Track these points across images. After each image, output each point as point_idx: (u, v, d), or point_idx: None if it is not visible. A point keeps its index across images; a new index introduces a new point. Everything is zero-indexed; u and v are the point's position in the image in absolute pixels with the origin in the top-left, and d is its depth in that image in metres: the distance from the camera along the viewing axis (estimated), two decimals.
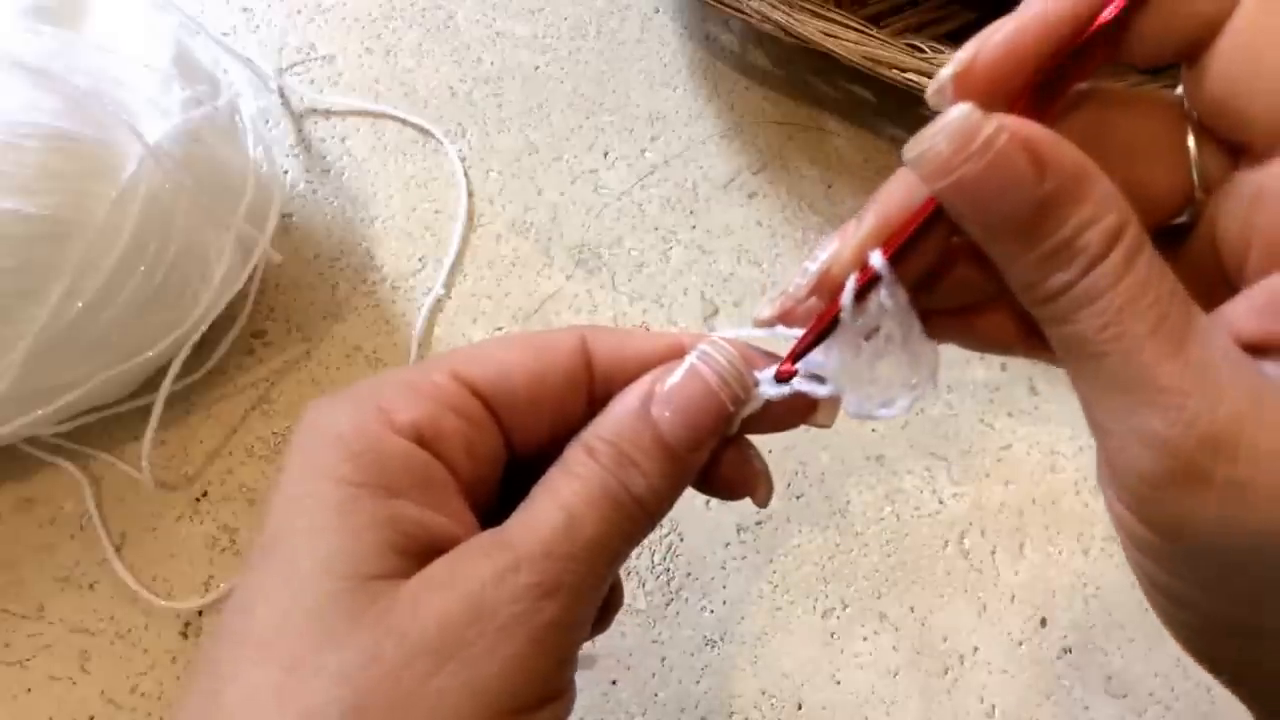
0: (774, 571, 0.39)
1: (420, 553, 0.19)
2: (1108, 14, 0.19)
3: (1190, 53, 0.20)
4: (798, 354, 0.22)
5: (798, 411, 0.23)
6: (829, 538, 0.40)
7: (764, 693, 0.37)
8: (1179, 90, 0.21)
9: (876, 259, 0.20)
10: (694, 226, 0.47)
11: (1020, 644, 0.38)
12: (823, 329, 0.21)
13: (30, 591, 0.36)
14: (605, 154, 0.49)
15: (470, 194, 0.47)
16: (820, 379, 0.22)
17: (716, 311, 0.45)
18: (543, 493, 0.21)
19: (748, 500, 0.24)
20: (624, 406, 0.21)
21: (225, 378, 0.41)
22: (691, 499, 0.23)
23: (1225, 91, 0.19)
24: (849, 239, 0.21)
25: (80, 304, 0.33)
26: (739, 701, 0.36)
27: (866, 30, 0.43)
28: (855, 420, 0.24)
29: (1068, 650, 0.38)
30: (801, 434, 0.24)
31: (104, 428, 0.39)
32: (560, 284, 0.45)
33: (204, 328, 0.37)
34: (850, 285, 0.20)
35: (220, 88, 0.39)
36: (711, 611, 0.38)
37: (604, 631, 0.25)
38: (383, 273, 0.45)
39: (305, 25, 0.52)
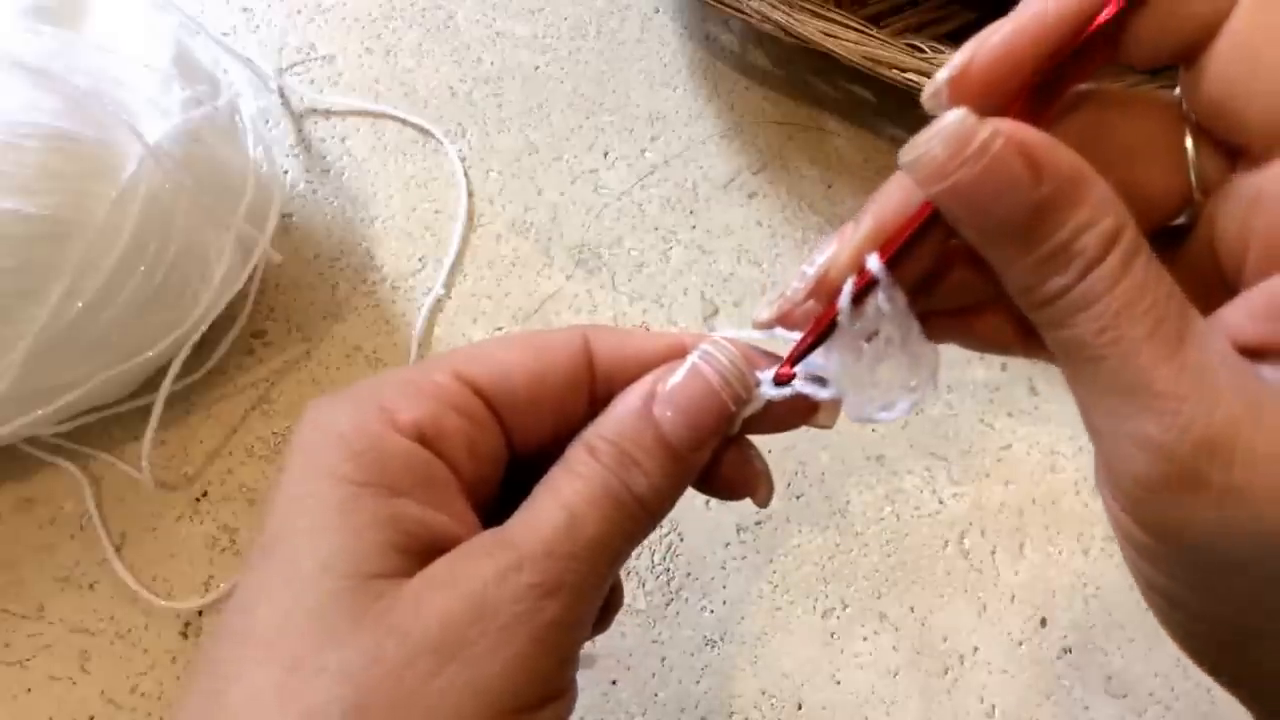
0: (774, 571, 0.39)
1: (422, 552, 0.19)
2: (1105, 16, 0.19)
3: (1188, 54, 0.19)
4: (796, 357, 0.22)
5: (799, 412, 0.23)
6: (829, 538, 0.40)
7: (764, 693, 0.37)
8: (1177, 91, 0.21)
9: (873, 263, 0.20)
10: (694, 226, 0.47)
11: (1020, 644, 0.38)
12: (821, 332, 0.21)
13: (30, 591, 0.36)
14: (605, 154, 0.49)
15: (470, 194, 0.47)
16: (821, 380, 0.22)
17: (716, 311, 0.45)
18: (544, 492, 0.21)
19: (748, 500, 0.24)
20: (626, 406, 0.21)
21: (225, 378, 0.41)
22: (691, 499, 0.23)
23: (1223, 93, 0.19)
24: (846, 242, 0.21)
25: (80, 304, 0.33)
26: (739, 701, 0.36)
27: (866, 30, 0.43)
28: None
29: (1068, 650, 0.38)
30: (801, 434, 0.24)
31: (104, 428, 0.39)
32: (560, 284, 0.45)
33: (204, 328, 0.37)
34: (847, 289, 0.20)
35: (220, 88, 0.39)
36: (711, 611, 0.38)
37: (604, 631, 0.25)
38: (383, 273, 0.45)
39: (305, 25, 0.52)
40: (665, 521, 0.31)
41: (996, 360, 0.44)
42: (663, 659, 0.37)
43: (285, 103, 0.49)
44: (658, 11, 0.54)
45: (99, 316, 0.34)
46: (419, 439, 0.20)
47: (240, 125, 0.40)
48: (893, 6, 0.50)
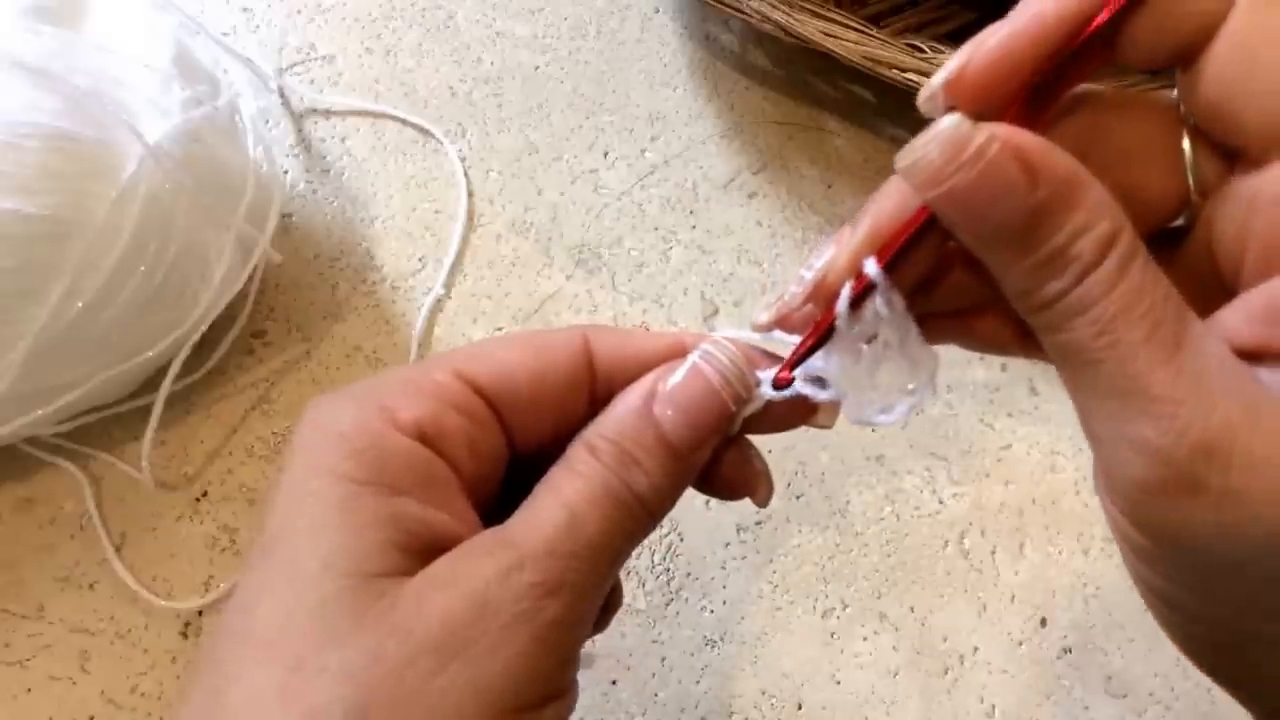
0: (774, 571, 0.39)
1: (423, 551, 0.19)
2: (1102, 17, 0.19)
3: (1185, 56, 0.19)
4: (795, 361, 0.22)
5: (799, 412, 0.23)
6: (829, 538, 0.40)
7: (764, 693, 0.37)
8: (1175, 93, 0.21)
9: (871, 267, 0.20)
10: (694, 226, 0.47)
11: (1020, 644, 0.38)
12: (819, 336, 0.21)
13: (30, 591, 0.36)
14: (605, 154, 0.49)
15: (470, 194, 0.47)
16: (821, 382, 0.22)
17: (716, 311, 0.45)
18: (545, 491, 0.21)
19: (748, 500, 0.24)
20: (626, 405, 0.21)
21: (225, 378, 0.41)
22: (691, 499, 0.23)
23: (1220, 95, 0.19)
24: (843, 247, 0.21)
25: (80, 304, 0.33)
26: (739, 701, 0.36)
27: (866, 30, 0.43)
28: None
29: (1068, 650, 0.38)
30: (801, 434, 0.24)
31: (104, 428, 0.39)
32: (560, 284, 0.45)
33: (204, 328, 0.37)
34: (845, 293, 0.20)
35: (220, 88, 0.39)
36: (711, 611, 0.38)
37: (604, 631, 0.25)
38: (383, 273, 0.45)
39: (305, 25, 0.52)
40: (665, 521, 0.31)
41: (996, 360, 0.44)
42: (663, 659, 0.37)
43: (285, 103, 0.49)
44: (658, 11, 0.54)
45: (99, 316, 0.34)
46: (420, 438, 0.20)
47: (240, 125, 0.40)
48: (893, 6, 0.50)
